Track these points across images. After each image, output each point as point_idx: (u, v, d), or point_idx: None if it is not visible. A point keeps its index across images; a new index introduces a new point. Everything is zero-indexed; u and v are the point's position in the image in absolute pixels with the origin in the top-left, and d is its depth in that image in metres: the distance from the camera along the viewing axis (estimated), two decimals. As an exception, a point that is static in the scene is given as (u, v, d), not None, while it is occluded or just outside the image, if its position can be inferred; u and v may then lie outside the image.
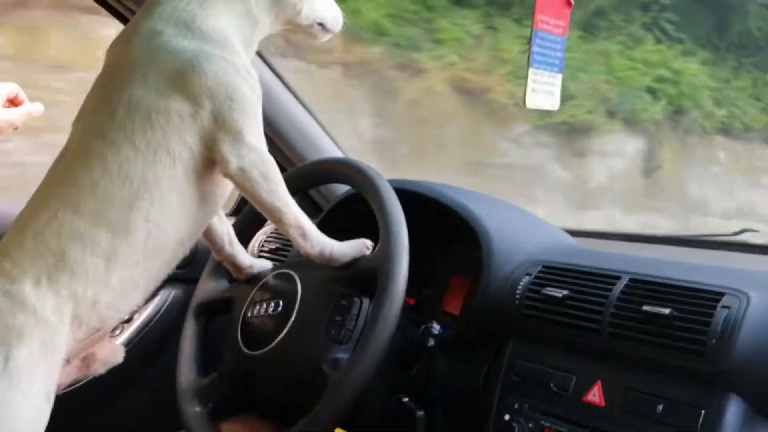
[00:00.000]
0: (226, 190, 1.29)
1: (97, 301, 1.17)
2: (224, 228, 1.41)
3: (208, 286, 1.52)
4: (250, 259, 1.46)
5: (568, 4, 1.33)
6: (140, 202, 1.18)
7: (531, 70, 1.32)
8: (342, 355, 1.23)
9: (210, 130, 1.19)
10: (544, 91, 1.37)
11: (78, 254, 1.15)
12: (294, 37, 1.47)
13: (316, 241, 1.26)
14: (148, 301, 1.82)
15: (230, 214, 1.96)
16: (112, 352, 1.35)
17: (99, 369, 1.33)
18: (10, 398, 1.09)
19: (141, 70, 1.20)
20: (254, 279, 1.43)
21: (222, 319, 1.47)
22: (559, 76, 1.36)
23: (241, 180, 1.21)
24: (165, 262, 1.25)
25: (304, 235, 1.26)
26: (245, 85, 1.22)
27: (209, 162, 1.21)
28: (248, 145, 1.20)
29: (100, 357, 1.32)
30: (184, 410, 1.40)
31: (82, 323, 1.18)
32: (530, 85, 1.33)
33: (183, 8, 1.23)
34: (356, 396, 1.17)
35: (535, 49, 1.32)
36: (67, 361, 1.22)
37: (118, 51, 1.25)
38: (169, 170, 1.19)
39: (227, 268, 1.46)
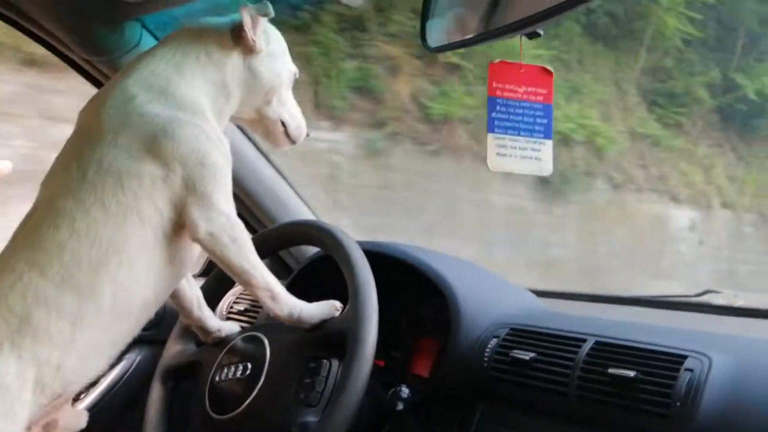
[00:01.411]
0: (193, 254, 1.30)
1: (61, 365, 1.15)
2: (193, 291, 1.41)
3: (175, 350, 1.50)
4: (218, 322, 1.45)
5: (547, 73, 1.38)
6: (108, 264, 1.17)
7: (490, 136, 1.36)
8: (311, 419, 1.22)
9: (180, 195, 1.20)
10: (520, 156, 1.41)
11: (42, 318, 1.14)
12: (256, 134, 1.51)
13: (285, 303, 1.27)
14: (115, 363, 1.81)
15: (198, 275, 1.95)
16: (74, 418, 1.32)
17: None
18: None
19: (113, 133, 1.20)
20: (222, 342, 1.42)
21: (189, 383, 1.45)
22: (548, 143, 1.39)
23: (210, 244, 1.21)
24: (131, 326, 1.24)
25: (273, 297, 1.26)
26: (216, 152, 1.23)
27: (178, 226, 1.22)
28: (218, 209, 1.21)
29: (62, 423, 1.29)
30: None
31: (45, 388, 1.16)
32: (492, 150, 1.36)
33: (159, 74, 1.25)
34: None
35: (493, 115, 1.36)
36: (28, 428, 1.19)
37: (91, 112, 1.26)
38: (138, 233, 1.19)
39: (195, 332, 1.46)
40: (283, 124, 1.42)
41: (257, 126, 1.44)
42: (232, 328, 1.47)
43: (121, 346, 1.26)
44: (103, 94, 1.27)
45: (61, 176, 1.23)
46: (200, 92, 1.27)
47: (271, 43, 1.36)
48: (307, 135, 1.46)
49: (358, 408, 1.18)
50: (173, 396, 1.48)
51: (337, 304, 1.30)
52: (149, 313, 1.27)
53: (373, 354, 1.20)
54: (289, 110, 1.42)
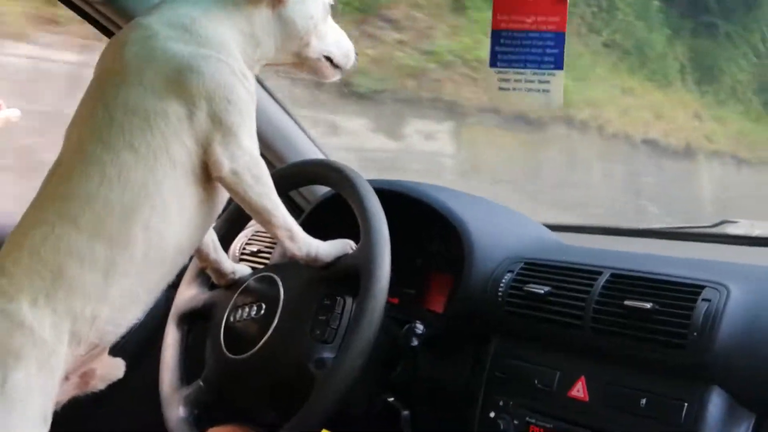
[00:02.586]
0: (224, 196, 1.28)
1: (96, 316, 1.15)
2: (210, 234, 1.40)
3: (189, 294, 1.51)
4: (233, 264, 1.45)
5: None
6: (141, 209, 1.15)
7: (491, 70, 1.33)
8: (327, 355, 1.23)
9: (206, 132, 1.18)
10: (526, 89, 1.38)
11: (76, 270, 1.13)
12: (301, 74, 1.43)
13: (303, 242, 1.26)
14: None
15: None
16: (111, 368, 1.32)
17: (98, 385, 1.30)
18: (7, 422, 1.07)
19: (136, 72, 1.17)
20: (235, 284, 1.42)
21: (203, 325, 1.46)
22: (559, 74, 1.35)
23: (233, 183, 1.19)
24: (165, 273, 1.23)
25: (292, 237, 1.25)
26: (241, 87, 1.20)
27: (207, 166, 1.20)
28: (241, 147, 1.19)
29: (100, 373, 1.29)
30: (168, 418, 1.39)
31: (81, 340, 1.15)
32: (493, 84, 1.34)
33: (183, 13, 1.21)
34: (344, 394, 1.17)
35: (496, 49, 1.33)
36: (66, 378, 1.20)
37: (113, 54, 1.22)
38: (170, 174, 1.17)
39: (209, 274, 1.46)
40: (327, 57, 1.37)
41: (301, 67, 1.39)
42: (245, 270, 1.46)
43: (157, 293, 1.25)
44: (124, 36, 1.23)
45: (87, 122, 1.20)
46: (226, 36, 1.23)
47: None
48: (356, 56, 1.41)
49: (374, 343, 1.18)
50: (188, 339, 1.49)
51: (351, 243, 1.29)
52: (183, 259, 1.26)
53: (386, 289, 1.20)
54: (332, 41, 1.37)
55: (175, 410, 1.39)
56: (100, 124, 1.17)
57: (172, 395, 1.41)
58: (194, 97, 1.17)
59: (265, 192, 1.22)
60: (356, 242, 1.27)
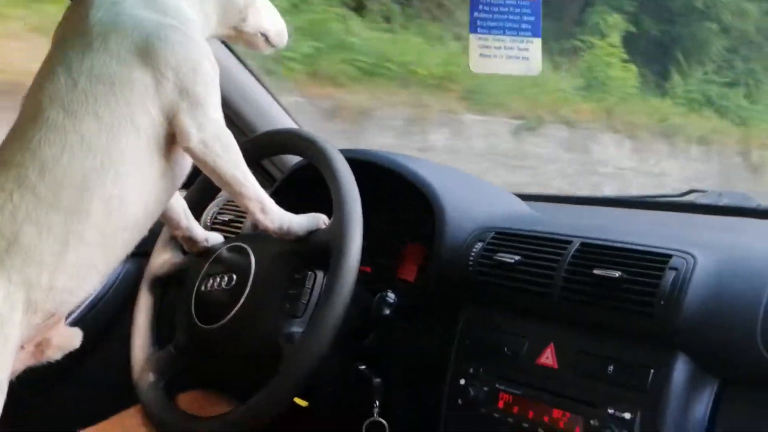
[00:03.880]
0: (186, 167, 1.26)
1: (52, 285, 1.13)
2: (179, 203, 1.39)
3: (162, 258, 1.50)
4: (204, 232, 1.44)
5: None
6: (102, 177, 1.13)
7: (473, 36, 1.33)
8: (297, 329, 1.23)
9: (172, 102, 1.16)
10: (506, 56, 1.37)
11: (33, 238, 1.10)
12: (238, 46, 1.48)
13: (275, 214, 1.25)
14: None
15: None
16: (68, 338, 1.31)
17: (54, 354, 1.29)
18: None
19: (102, 38, 1.15)
20: (208, 252, 1.41)
21: (176, 291, 1.45)
22: (536, 41, 1.35)
23: (201, 153, 1.18)
24: (124, 242, 1.21)
25: (263, 209, 1.24)
26: (206, 60, 1.20)
27: (170, 137, 1.18)
28: (209, 117, 1.18)
29: (56, 342, 1.28)
30: (138, 383, 1.39)
31: (37, 309, 1.13)
32: (475, 51, 1.33)
33: None
34: (312, 370, 1.17)
35: (475, 15, 1.33)
36: (21, 347, 1.18)
37: (76, 19, 1.19)
38: (133, 143, 1.15)
39: (181, 242, 1.45)
40: (262, 34, 1.40)
41: (236, 40, 1.43)
42: (217, 238, 1.46)
43: (115, 263, 1.23)
44: (84, 2, 1.20)
45: (48, 87, 1.16)
46: (187, 8, 1.24)
47: None
48: (289, 35, 1.44)
49: (343, 318, 1.18)
50: (161, 304, 1.49)
51: (324, 217, 1.28)
52: (142, 230, 1.24)
53: (357, 266, 1.20)
54: (267, 19, 1.40)
55: (146, 375, 1.39)
56: (62, 90, 1.14)
57: (143, 359, 1.41)
58: (161, 66, 1.15)
59: (234, 161, 1.21)
60: (329, 215, 1.27)
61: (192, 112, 1.17)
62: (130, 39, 1.15)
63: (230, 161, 1.20)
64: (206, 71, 1.19)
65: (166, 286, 1.50)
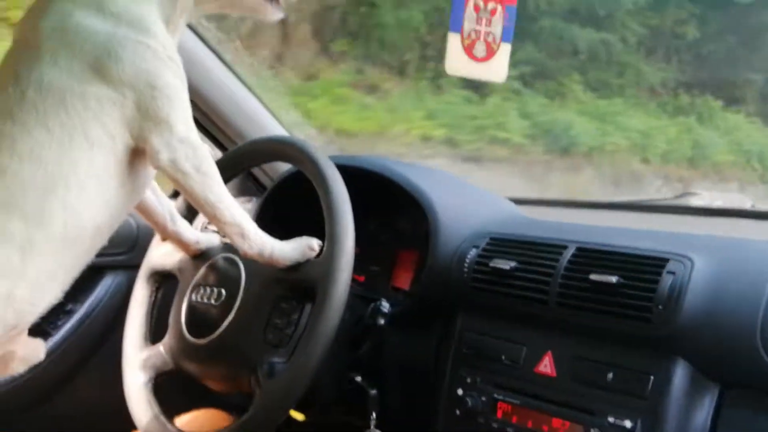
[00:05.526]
0: (149, 177, 1.22)
1: (11, 295, 1.09)
2: (164, 207, 1.35)
3: (160, 251, 1.47)
4: (196, 234, 1.40)
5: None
6: (56, 188, 1.09)
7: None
8: (278, 360, 1.20)
9: (135, 120, 1.12)
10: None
11: None
12: (236, 18, 1.34)
13: (254, 240, 1.19)
14: (89, 289, 1.78)
15: (170, 196, 1.91)
16: (33, 350, 1.27)
17: (18, 368, 1.25)
18: None
19: (51, 51, 1.10)
20: (203, 255, 1.39)
21: (170, 288, 1.43)
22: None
23: (172, 172, 1.13)
24: (85, 251, 1.17)
25: (242, 234, 1.19)
26: (168, 71, 1.14)
27: (136, 151, 1.14)
28: (177, 135, 1.13)
29: (20, 355, 1.24)
30: (128, 381, 1.38)
31: None
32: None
33: None
34: (291, 405, 1.16)
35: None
36: None
37: (27, 30, 1.15)
38: (86, 156, 1.11)
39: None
40: None
41: (233, 7, 1.30)
42: (211, 239, 1.41)
43: (76, 272, 1.19)
44: (38, 8, 1.15)
45: None
46: (141, 1, 1.16)
47: None
48: None
49: (324, 355, 1.15)
50: (156, 297, 1.47)
51: (314, 243, 1.22)
52: (103, 238, 1.20)
53: (343, 305, 1.16)
54: None
55: (135, 373, 1.37)
56: (11, 100, 1.10)
57: (134, 355, 1.40)
58: (116, 83, 1.10)
59: (207, 184, 1.15)
60: (320, 224, 1.24)
61: (157, 131, 1.12)
62: (81, 55, 1.10)
63: (202, 182, 1.15)
64: (167, 84, 1.13)
65: (163, 279, 1.47)
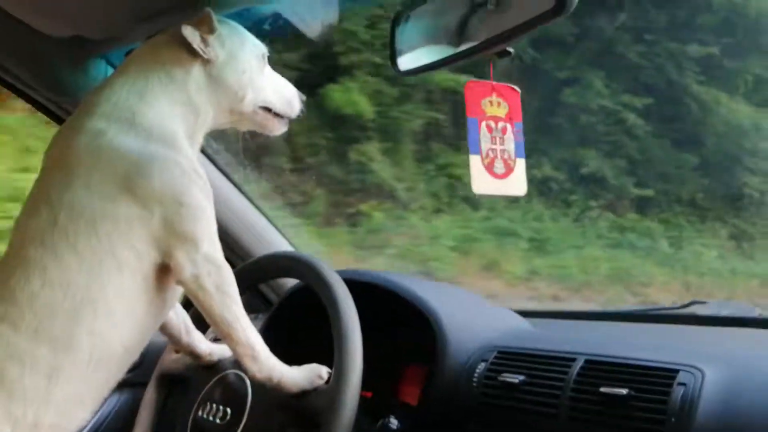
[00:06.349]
0: (177, 292, 1.24)
1: (38, 422, 1.09)
2: (180, 317, 1.36)
3: (172, 357, 1.47)
4: (210, 346, 1.40)
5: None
6: (84, 314, 1.11)
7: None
8: None
9: (161, 236, 1.14)
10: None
11: (16, 373, 1.08)
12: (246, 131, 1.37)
13: (264, 365, 1.20)
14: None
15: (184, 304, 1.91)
16: None
17: None
18: None
19: (84, 173, 1.14)
20: (214, 367, 1.39)
21: (181, 392, 1.43)
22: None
23: (193, 288, 1.15)
24: (113, 373, 1.18)
25: (253, 357, 1.19)
26: (195, 187, 1.17)
27: (161, 268, 1.16)
28: (202, 252, 1.15)
29: None
30: None
31: None
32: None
33: (122, 105, 1.18)
34: None
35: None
36: None
37: (58, 152, 1.19)
38: (115, 278, 1.13)
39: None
40: (266, 108, 1.32)
41: (243, 123, 1.35)
42: (224, 351, 1.40)
43: (104, 394, 1.19)
44: (68, 132, 1.20)
45: (30, 221, 1.15)
46: (169, 117, 1.20)
47: (226, 44, 1.26)
48: (303, 102, 1.36)
49: None
50: (165, 401, 1.45)
51: (323, 372, 1.22)
52: (132, 357, 1.21)
53: None
54: (271, 91, 1.32)
55: None
56: (43, 225, 1.13)
57: None
58: (145, 200, 1.13)
59: (226, 302, 1.17)
60: (327, 340, 1.23)
61: (183, 247, 1.14)
62: (112, 174, 1.14)
63: (221, 301, 1.16)
64: (193, 201, 1.16)
65: (173, 386, 1.47)
